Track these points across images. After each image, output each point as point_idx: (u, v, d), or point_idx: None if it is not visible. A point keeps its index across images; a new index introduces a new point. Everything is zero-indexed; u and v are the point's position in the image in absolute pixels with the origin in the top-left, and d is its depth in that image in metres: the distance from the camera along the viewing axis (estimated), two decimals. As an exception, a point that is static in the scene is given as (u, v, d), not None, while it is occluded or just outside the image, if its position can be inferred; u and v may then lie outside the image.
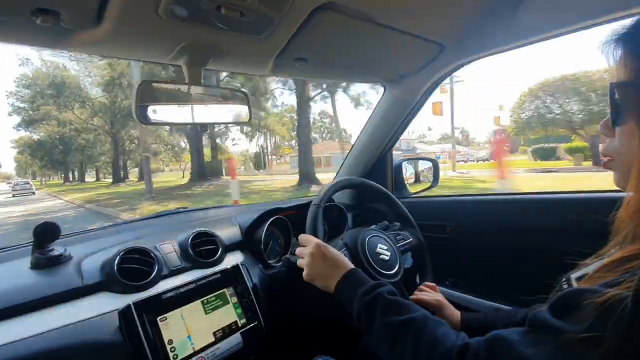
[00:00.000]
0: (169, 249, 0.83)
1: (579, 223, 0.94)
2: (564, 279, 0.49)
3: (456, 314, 0.76)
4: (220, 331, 0.77)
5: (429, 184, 1.41)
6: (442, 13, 0.75)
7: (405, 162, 1.41)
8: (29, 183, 23.65)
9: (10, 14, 0.53)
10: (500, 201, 1.16)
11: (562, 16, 0.78)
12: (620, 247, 0.43)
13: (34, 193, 21.68)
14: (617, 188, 0.46)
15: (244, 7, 0.57)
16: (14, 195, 20.53)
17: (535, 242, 1.03)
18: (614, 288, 0.33)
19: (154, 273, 0.76)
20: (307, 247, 0.69)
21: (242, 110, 0.84)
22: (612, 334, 0.31)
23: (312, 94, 13.71)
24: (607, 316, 0.32)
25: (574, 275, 0.47)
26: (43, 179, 49.41)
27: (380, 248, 0.80)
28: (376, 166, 1.36)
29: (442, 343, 0.46)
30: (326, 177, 11.82)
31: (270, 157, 37.45)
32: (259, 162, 35.53)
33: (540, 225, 1.02)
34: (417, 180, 1.44)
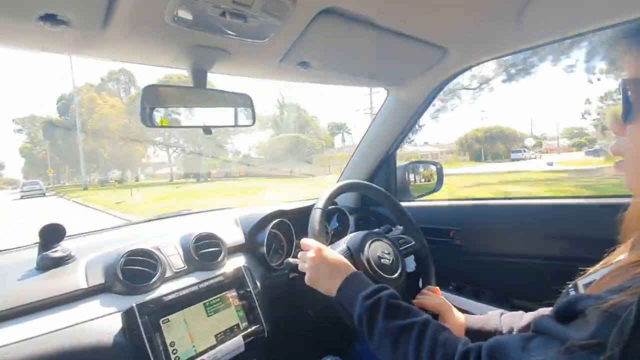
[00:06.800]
0: (172, 251, 0.83)
1: (586, 229, 0.92)
2: (571, 285, 0.48)
3: (460, 318, 0.75)
4: (222, 334, 0.77)
5: (432, 188, 1.40)
6: (445, 17, 0.75)
7: (409, 165, 1.40)
8: (38, 183, 23.07)
9: (18, 20, 0.53)
10: (504, 206, 1.15)
11: (568, 19, 0.77)
12: (630, 253, 0.42)
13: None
14: (626, 192, 0.45)
15: (247, 14, 0.58)
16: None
17: (541, 247, 1.02)
18: (618, 294, 0.33)
19: (157, 275, 0.76)
20: (309, 251, 0.69)
21: (246, 113, 0.85)
22: (616, 340, 0.30)
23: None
24: (611, 322, 0.31)
25: (581, 282, 0.46)
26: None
27: (382, 252, 0.79)
28: (380, 169, 1.36)
29: (444, 348, 0.45)
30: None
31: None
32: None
33: (546, 230, 1.01)
34: (421, 183, 1.44)
